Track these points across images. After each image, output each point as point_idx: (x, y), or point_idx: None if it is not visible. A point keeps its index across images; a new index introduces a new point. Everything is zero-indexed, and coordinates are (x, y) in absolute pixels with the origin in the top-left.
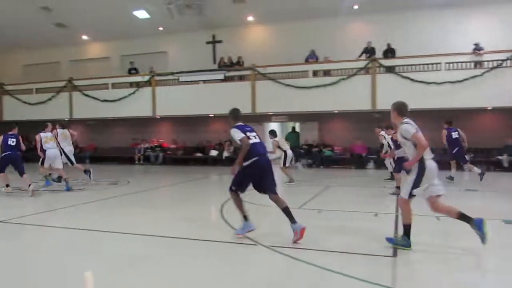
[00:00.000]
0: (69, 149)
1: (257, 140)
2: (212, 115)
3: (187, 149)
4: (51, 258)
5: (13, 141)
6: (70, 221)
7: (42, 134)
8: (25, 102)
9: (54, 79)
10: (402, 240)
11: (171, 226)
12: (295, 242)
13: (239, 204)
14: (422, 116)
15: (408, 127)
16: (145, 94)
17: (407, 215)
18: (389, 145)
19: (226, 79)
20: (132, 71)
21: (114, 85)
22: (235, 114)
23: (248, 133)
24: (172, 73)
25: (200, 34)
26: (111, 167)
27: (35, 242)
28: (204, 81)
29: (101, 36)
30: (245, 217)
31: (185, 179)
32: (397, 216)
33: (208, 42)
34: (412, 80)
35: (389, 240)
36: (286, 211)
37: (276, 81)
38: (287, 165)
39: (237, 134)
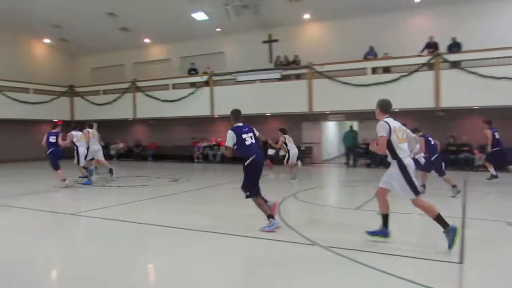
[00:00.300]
0: (97, 148)
1: (252, 141)
2: (269, 114)
3: None
4: (118, 249)
5: (53, 139)
6: (139, 216)
7: (73, 133)
8: (93, 103)
9: (119, 81)
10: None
11: (232, 223)
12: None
13: (259, 204)
14: (491, 114)
15: (381, 127)
16: (204, 94)
17: (431, 210)
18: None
19: (283, 78)
20: (192, 71)
21: (174, 86)
22: (235, 115)
23: (244, 135)
24: (230, 73)
25: (257, 34)
26: (172, 164)
27: (105, 234)
28: (261, 81)
29: (162, 39)
30: (269, 217)
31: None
32: (462, 220)
33: (264, 42)
34: (480, 75)
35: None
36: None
37: (333, 79)
38: (291, 162)
39: (229, 140)
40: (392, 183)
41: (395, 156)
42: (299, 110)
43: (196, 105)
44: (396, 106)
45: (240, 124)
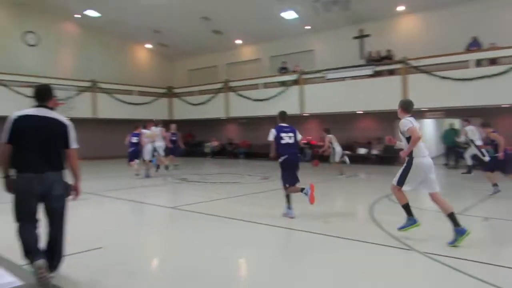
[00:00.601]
0: (159, 145)
1: (291, 141)
2: (360, 112)
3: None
4: (213, 243)
5: (136, 139)
6: (231, 211)
7: (143, 131)
8: (189, 103)
9: (213, 82)
10: (408, 221)
11: (324, 224)
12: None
13: (290, 193)
14: None
15: (406, 122)
16: (293, 92)
17: (401, 199)
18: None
19: (375, 75)
20: (282, 70)
21: (265, 85)
22: (281, 115)
23: (283, 134)
24: (319, 71)
25: (347, 30)
26: (263, 163)
27: (199, 227)
28: (352, 78)
29: (252, 39)
30: (289, 206)
31: (333, 177)
32: None
33: (355, 37)
34: None
35: (400, 228)
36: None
37: (430, 74)
38: (336, 160)
39: (270, 135)
40: (419, 181)
41: (410, 154)
42: (393, 107)
43: (285, 103)
44: (505, 101)
45: (284, 124)
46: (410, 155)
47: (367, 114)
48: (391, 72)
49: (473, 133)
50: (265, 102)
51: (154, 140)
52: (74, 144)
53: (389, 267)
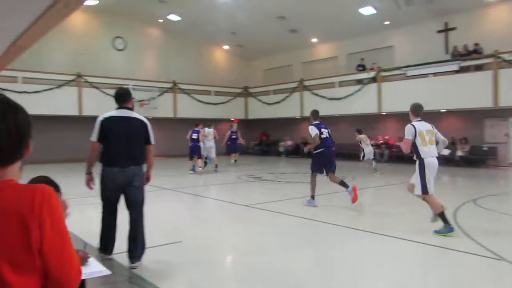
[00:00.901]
0: (210, 145)
1: (327, 136)
2: (444, 111)
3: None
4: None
5: (195, 136)
6: (305, 211)
7: (203, 129)
8: (264, 102)
9: (287, 81)
10: (444, 228)
11: (399, 226)
12: (353, 201)
13: (313, 184)
14: None
15: (407, 130)
16: (371, 90)
17: (434, 206)
18: None
19: (461, 70)
20: (360, 67)
21: (340, 84)
22: (315, 114)
23: (322, 129)
24: (399, 68)
25: (430, 24)
26: (338, 162)
27: (271, 225)
28: (434, 74)
29: (329, 37)
30: (313, 197)
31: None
32: None
33: (439, 31)
34: None
35: (437, 232)
36: (342, 183)
37: None
38: (365, 159)
39: (312, 132)
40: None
41: (418, 156)
42: (481, 105)
43: (362, 102)
44: None
45: (318, 122)
46: (420, 158)
47: (451, 112)
48: (478, 68)
49: None
50: (341, 101)
51: (204, 139)
52: (153, 141)
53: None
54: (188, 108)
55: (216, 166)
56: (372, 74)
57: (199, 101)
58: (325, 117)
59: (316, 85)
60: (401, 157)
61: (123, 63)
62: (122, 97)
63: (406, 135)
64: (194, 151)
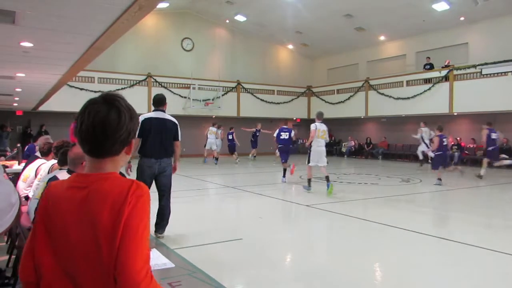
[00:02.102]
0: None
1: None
2: None
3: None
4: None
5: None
6: (367, 213)
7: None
8: (327, 102)
9: (352, 80)
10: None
11: (466, 232)
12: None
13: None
14: None
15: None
16: (441, 89)
17: (309, 174)
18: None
19: None
20: (427, 66)
21: (408, 83)
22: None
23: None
24: (474, 66)
25: (510, 19)
26: (403, 164)
27: (332, 226)
28: None
29: (397, 35)
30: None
31: (485, 183)
32: None
33: None
34: None
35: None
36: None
37: None
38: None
39: (312, 128)
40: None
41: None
42: None
43: (432, 102)
44: None
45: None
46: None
47: None
48: None
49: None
50: (409, 101)
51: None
52: (179, 138)
53: None
54: (251, 107)
55: (217, 159)
56: (443, 72)
57: (262, 100)
58: (390, 116)
59: (382, 84)
60: (474, 160)
61: (190, 63)
62: (159, 101)
63: (311, 129)
64: (234, 148)
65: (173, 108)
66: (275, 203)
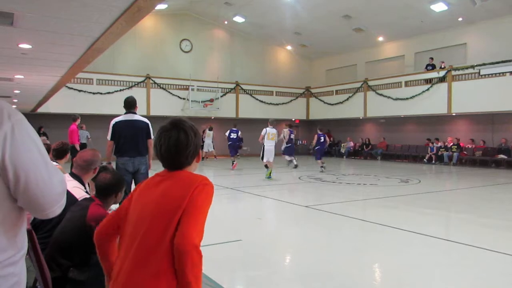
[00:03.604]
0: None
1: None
2: None
3: (487, 149)
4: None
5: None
6: (366, 214)
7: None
8: (326, 103)
9: (351, 81)
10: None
11: (468, 234)
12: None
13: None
14: None
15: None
16: (440, 90)
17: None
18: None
19: None
20: (429, 67)
21: (407, 83)
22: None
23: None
24: (473, 66)
25: (508, 19)
26: (401, 165)
27: (331, 227)
28: None
29: (396, 36)
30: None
31: (483, 183)
32: None
33: None
34: None
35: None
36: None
37: None
38: None
39: (270, 132)
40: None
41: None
42: None
43: (430, 102)
44: None
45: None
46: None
47: None
48: None
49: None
50: (407, 101)
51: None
52: (152, 136)
53: None
54: (249, 109)
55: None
56: (442, 73)
57: (261, 101)
58: (389, 117)
59: (381, 85)
60: (473, 160)
61: (189, 65)
62: (129, 104)
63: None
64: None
65: (172, 110)
66: (273, 204)
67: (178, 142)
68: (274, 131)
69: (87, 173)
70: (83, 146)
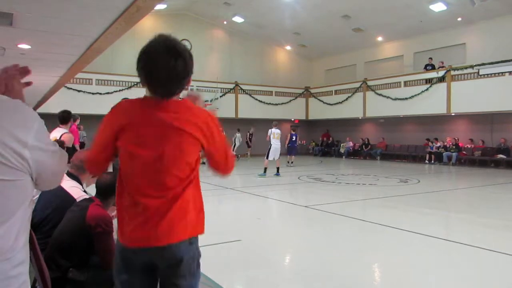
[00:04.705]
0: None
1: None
2: None
3: (487, 149)
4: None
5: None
6: (366, 214)
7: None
8: (325, 103)
9: (350, 81)
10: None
11: (467, 233)
12: None
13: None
14: None
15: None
16: (439, 90)
17: (265, 164)
18: None
19: None
20: (428, 67)
21: (406, 83)
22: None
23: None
24: (472, 66)
25: (508, 19)
26: (401, 164)
27: (331, 228)
28: (511, 73)
29: (395, 36)
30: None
31: (482, 183)
32: None
33: None
34: None
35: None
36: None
37: None
38: None
39: (276, 132)
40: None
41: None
42: None
43: (429, 102)
44: None
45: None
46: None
47: None
48: None
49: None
50: (407, 101)
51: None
52: None
53: None
54: (249, 109)
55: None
56: (441, 73)
57: (260, 101)
58: (388, 117)
59: (380, 85)
60: (472, 160)
61: None
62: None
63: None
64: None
65: None
66: (273, 204)
67: (180, 70)
68: (278, 131)
69: (84, 173)
70: (81, 145)
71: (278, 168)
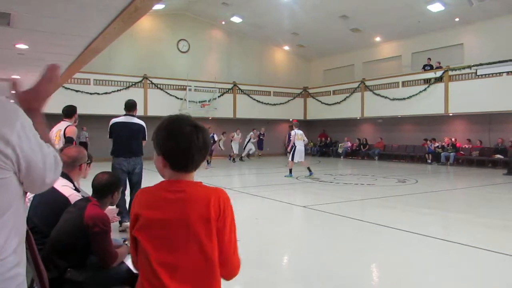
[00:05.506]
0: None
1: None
2: None
3: (484, 149)
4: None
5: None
6: (364, 214)
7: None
8: (323, 103)
9: (348, 81)
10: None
11: (465, 233)
12: None
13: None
14: None
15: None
16: (437, 90)
17: (291, 165)
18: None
19: None
20: (427, 67)
21: (404, 83)
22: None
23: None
24: (469, 66)
25: (505, 20)
26: (399, 164)
27: (330, 228)
28: (508, 73)
29: (393, 36)
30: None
31: (480, 183)
32: None
33: None
34: None
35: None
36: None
37: None
38: None
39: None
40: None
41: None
42: None
43: (427, 102)
44: None
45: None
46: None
47: None
48: None
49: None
50: (404, 101)
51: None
52: (147, 138)
53: None
54: (247, 109)
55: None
56: (439, 73)
57: (258, 101)
58: (386, 117)
59: (378, 85)
60: (469, 160)
61: (186, 65)
62: (129, 106)
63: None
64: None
65: (169, 110)
66: (271, 204)
67: (205, 143)
68: (300, 132)
69: (72, 170)
70: (84, 146)
71: (309, 168)
